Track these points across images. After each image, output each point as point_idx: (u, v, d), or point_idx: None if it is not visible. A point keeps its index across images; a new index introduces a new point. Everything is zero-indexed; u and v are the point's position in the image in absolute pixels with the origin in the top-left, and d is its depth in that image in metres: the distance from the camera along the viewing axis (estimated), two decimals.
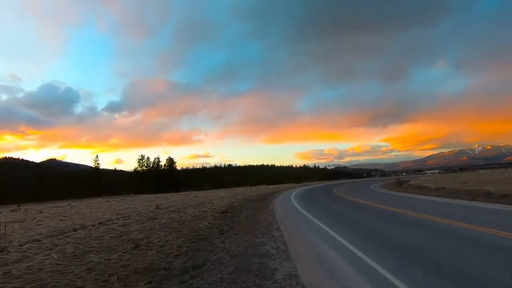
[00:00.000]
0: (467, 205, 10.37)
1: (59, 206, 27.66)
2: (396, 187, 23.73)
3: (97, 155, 76.08)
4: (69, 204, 29.94)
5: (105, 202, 30.66)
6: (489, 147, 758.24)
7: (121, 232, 9.35)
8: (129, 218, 12.95)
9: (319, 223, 8.48)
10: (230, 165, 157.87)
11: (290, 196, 21.37)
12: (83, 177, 73.79)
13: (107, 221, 12.44)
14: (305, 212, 11.21)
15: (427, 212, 9.01)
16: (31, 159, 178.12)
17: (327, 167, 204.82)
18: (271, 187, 45.75)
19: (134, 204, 24.17)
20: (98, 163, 70.56)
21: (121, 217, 13.40)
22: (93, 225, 11.29)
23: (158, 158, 76.30)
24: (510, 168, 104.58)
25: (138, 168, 74.81)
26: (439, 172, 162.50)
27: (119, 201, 30.31)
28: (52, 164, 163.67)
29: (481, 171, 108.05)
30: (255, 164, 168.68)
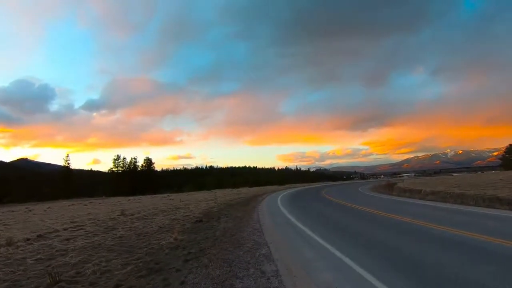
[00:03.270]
0: (502, 216, 8.26)
1: (13, 211, 24.27)
2: (390, 191, 22.26)
3: (67, 155, 71.31)
4: (27, 208, 26.52)
5: (69, 205, 27.53)
6: (461, 151, 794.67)
7: (56, 251, 7.02)
8: (81, 229, 10.51)
9: (330, 247, 5.57)
10: (212, 167, 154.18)
11: (277, 201, 19.20)
12: (56, 178, 68.29)
13: (49, 233, 9.94)
14: (302, 227, 8.30)
15: (468, 229, 6.44)
16: (0, 159, 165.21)
17: (309, 169, 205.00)
18: (254, 190, 43.66)
19: (99, 208, 21.44)
20: (68, 163, 65.80)
21: (71, 227, 10.91)
22: (27, 239, 8.81)
23: (135, 159, 72.27)
24: (479, 172, 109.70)
25: (114, 169, 70.47)
26: (414, 175, 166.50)
27: (85, 205, 27.32)
28: (23, 164, 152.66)
29: (454, 174, 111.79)
30: (237, 165, 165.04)
